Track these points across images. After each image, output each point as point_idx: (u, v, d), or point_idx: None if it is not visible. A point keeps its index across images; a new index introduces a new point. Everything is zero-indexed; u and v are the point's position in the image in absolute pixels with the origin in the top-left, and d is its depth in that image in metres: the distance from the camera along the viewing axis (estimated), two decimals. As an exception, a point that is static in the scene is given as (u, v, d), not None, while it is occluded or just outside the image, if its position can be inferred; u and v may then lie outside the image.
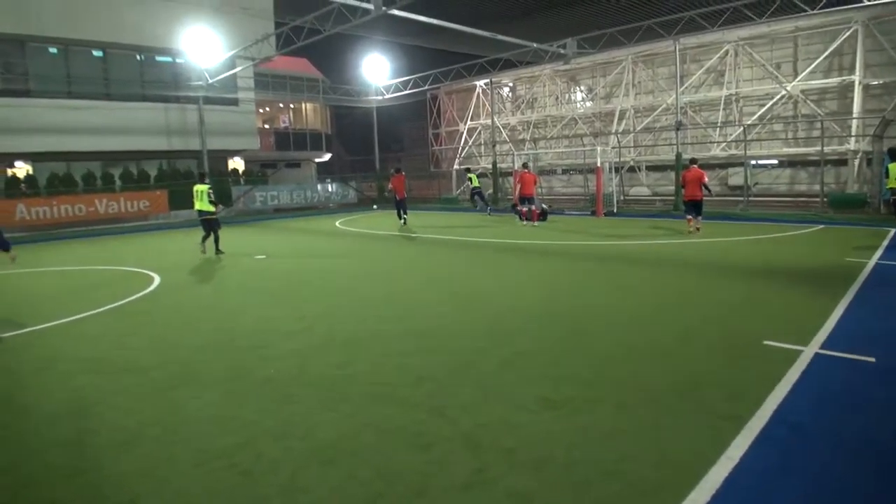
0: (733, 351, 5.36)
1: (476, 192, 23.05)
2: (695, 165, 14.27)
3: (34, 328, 7.15)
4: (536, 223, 17.96)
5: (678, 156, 20.20)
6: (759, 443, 3.58)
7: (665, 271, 9.63)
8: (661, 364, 5.08)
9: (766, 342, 5.50)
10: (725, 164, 23.00)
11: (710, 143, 23.12)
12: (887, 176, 12.48)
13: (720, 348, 5.46)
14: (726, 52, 22.53)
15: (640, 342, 5.74)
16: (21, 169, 22.74)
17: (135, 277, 10.72)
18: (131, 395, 4.83)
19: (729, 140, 22.59)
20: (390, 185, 19.56)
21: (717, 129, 23.06)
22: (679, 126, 20.73)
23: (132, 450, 3.82)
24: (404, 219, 18.96)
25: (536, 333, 6.19)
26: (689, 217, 14.18)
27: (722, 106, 22.80)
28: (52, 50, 22.24)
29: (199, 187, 13.28)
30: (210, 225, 13.35)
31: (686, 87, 23.24)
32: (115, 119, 23.00)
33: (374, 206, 29.62)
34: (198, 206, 13.24)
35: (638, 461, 3.43)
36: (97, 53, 23.26)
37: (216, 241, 13.45)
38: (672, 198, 20.67)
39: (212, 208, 13.21)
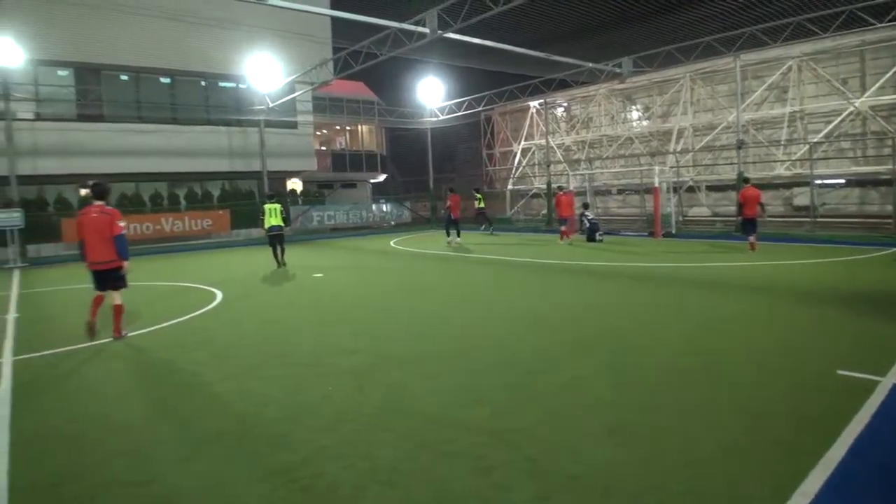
0: (805, 380, 5.11)
1: (480, 213, 23.49)
2: (749, 184, 14.69)
3: (103, 341, 7.46)
4: (595, 242, 18.18)
5: (740, 175, 19.62)
6: (836, 478, 3.39)
7: (729, 295, 9.31)
8: (727, 392, 4.88)
9: (839, 371, 5.21)
10: (790, 184, 22.13)
11: (774, 161, 22.36)
12: None
13: (790, 377, 5.20)
14: (789, 68, 21.81)
15: (704, 368, 5.53)
16: (94, 189, 23.90)
17: (198, 293, 11.09)
18: (193, 408, 4.97)
19: (793, 159, 21.78)
20: (448, 204, 19.84)
21: (781, 147, 22.29)
22: (741, 145, 20.17)
23: (195, 463, 3.91)
24: (452, 238, 19.36)
25: (594, 356, 6.06)
26: (751, 238, 14.08)
27: (786, 123, 22.01)
28: (124, 77, 23.45)
29: (270, 206, 14.36)
30: (278, 240, 14.46)
31: (747, 105, 22.59)
32: (180, 142, 24.05)
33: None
34: (271, 221, 14.23)
35: (707, 495, 3.29)
36: (165, 80, 24.40)
37: (282, 253, 14.59)
38: (734, 218, 20.05)
39: (283, 223, 14.45)
